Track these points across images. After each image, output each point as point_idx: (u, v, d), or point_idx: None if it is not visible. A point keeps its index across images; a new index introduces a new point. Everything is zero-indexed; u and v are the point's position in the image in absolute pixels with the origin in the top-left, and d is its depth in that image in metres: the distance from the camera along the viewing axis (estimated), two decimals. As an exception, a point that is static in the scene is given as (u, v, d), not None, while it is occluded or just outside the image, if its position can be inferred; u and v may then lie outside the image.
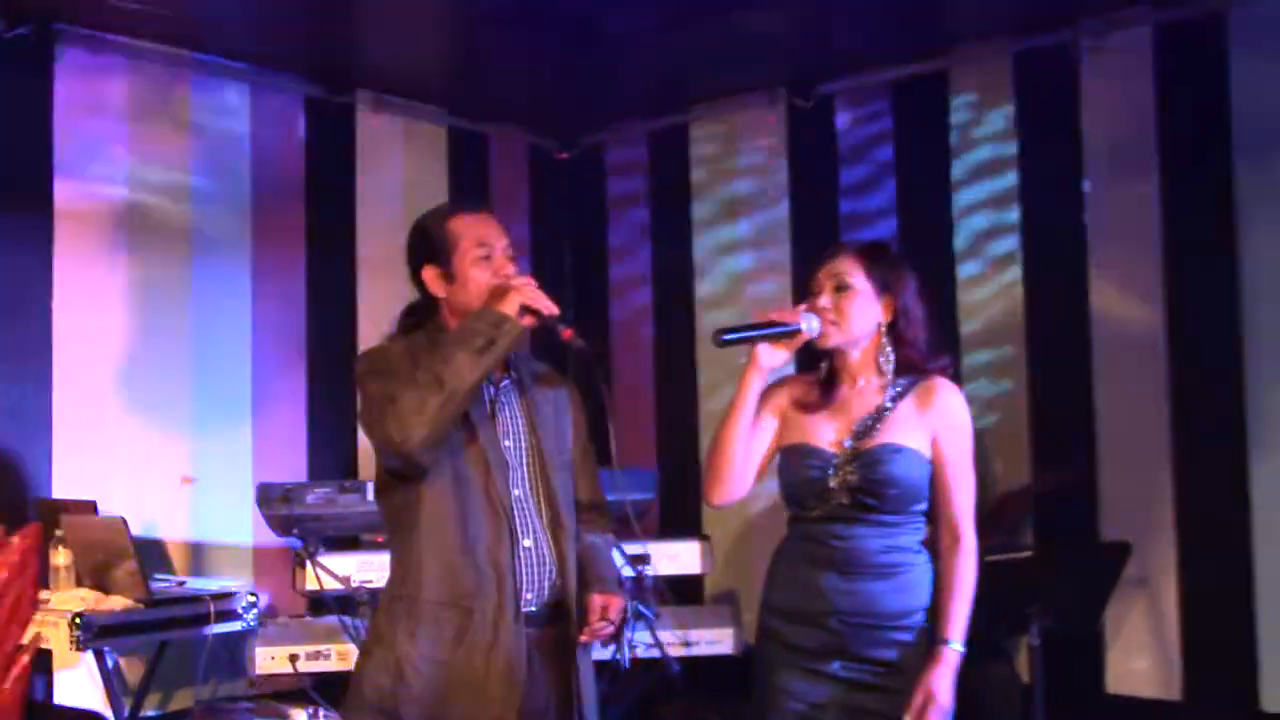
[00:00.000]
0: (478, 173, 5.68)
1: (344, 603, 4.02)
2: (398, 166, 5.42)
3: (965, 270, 4.89)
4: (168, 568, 4.53)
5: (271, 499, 3.94)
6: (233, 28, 4.57)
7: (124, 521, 3.79)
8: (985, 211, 4.85)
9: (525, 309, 2.53)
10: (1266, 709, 4.13)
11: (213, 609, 3.84)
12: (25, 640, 1.99)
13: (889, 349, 2.70)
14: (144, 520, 4.38)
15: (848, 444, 2.66)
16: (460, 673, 2.51)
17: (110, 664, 3.86)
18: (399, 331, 2.72)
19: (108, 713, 3.85)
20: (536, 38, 4.63)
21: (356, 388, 2.61)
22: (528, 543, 2.59)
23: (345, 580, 3.92)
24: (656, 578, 4.32)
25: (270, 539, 4.48)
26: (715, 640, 4.35)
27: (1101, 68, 4.56)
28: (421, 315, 2.72)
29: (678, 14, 4.46)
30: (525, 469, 2.64)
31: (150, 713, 4.41)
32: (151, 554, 4.35)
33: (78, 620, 3.60)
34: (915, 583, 2.64)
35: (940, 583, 2.65)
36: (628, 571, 3.73)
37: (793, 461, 2.71)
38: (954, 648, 2.58)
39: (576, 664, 2.66)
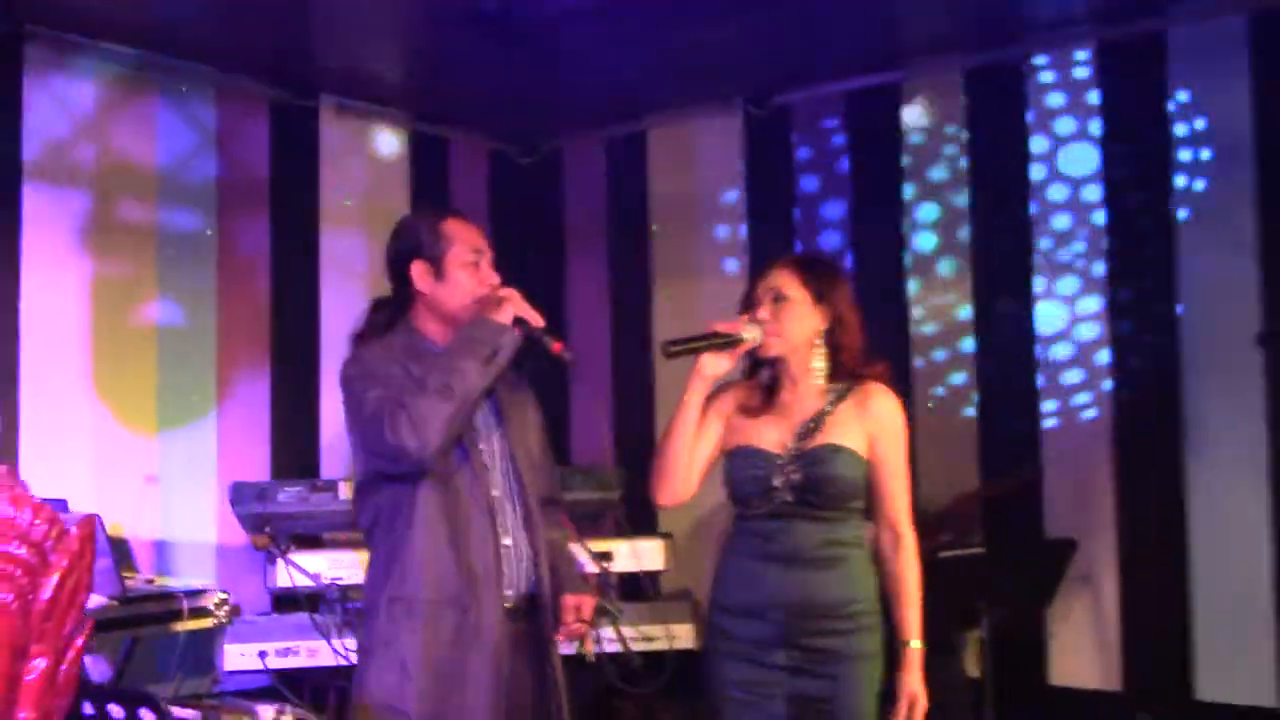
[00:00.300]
0: (438, 176, 5.73)
1: (314, 600, 4.07)
2: (360, 169, 5.47)
3: (917, 273, 4.99)
4: (131, 566, 4.55)
5: (245, 498, 3.97)
6: (199, 32, 4.58)
7: (98, 519, 3.79)
8: (936, 225, 4.96)
9: (516, 320, 2.62)
10: (1200, 698, 4.28)
11: (186, 606, 3.86)
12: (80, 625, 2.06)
13: (826, 355, 2.82)
14: (109, 519, 4.38)
15: (791, 445, 2.78)
16: (458, 669, 2.59)
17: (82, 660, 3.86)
18: (368, 328, 2.79)
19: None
20: (497, 45, 4.69)
21: (343, 391, 2.67)
22: (508, 541, 2.69)
23: (316, 577, 3.97)
24: (614, 574, 4.43)
25: (233, 538, 4.52)
26: (675, 635, 4.46)
27: (1050, 83, 4.72)
28: (393, 311, 2.78)
29: (632, 30, 4.53)
30: (501, 470, 2.73)
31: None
32: (117, 552, 4.36)
33: (51, 617, 3.60)
34: (853, 573, 2.77)
35: (890, 585, 2.79)
36: (591, 568, 3.83)
37: (738, 463, 2.83)
38: (914, 646, 2.75)
39: (553, 658, 2.76)
